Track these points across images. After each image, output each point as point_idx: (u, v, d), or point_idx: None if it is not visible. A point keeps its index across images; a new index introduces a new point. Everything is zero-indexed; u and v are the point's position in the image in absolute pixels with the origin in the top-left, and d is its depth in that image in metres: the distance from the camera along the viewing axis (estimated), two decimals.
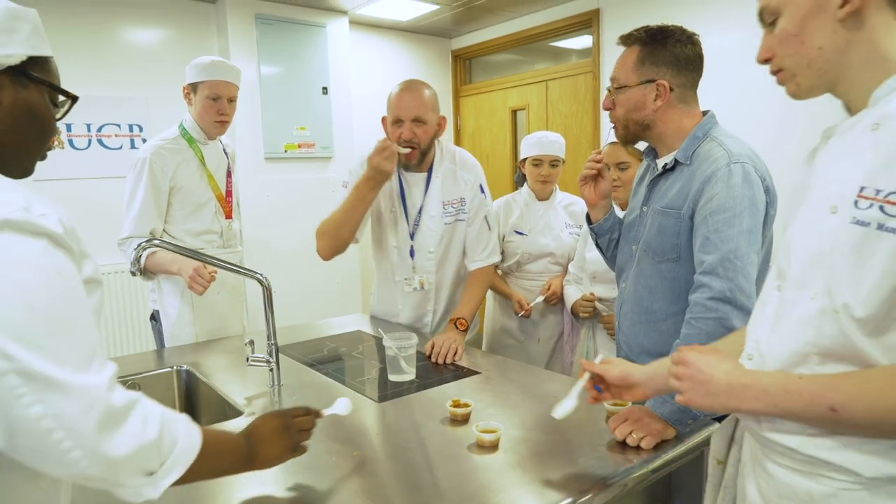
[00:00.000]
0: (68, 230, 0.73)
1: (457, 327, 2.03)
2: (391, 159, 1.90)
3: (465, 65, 5.16)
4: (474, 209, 2.17)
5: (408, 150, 1.97)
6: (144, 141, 3.70)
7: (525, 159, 2.56)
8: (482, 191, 2.19)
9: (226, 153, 2.41)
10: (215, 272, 2.02)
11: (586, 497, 1.11)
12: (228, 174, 2.40)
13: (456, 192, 2.15)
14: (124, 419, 0.72)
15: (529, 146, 2.53)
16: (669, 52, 1.47)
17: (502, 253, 2.45)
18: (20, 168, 0.87)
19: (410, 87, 2.03)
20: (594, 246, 2.00)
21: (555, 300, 2.47)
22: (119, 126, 3.66)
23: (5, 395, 0.64)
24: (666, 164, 1.52)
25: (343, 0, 4.00)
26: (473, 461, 1.24)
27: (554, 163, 2.51)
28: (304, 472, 1.20)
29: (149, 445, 0.75)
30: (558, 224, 2.54)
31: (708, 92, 3.54)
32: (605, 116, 3.98)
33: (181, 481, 0.81)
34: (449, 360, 1.87)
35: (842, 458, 0.82)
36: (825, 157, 0.90)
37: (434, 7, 4.16)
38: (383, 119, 2.08)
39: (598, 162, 1.70)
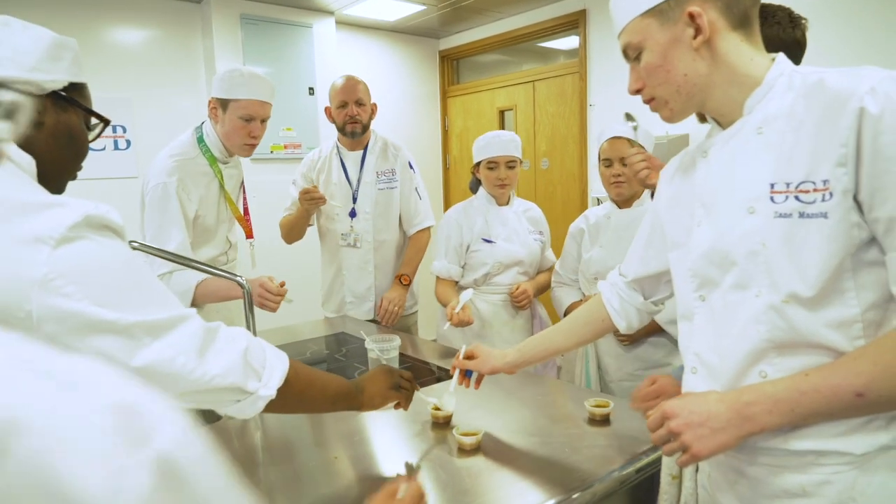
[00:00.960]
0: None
1: (401, 283, 2.50)
2: (314, 202, 2.36)
3: (452, 65, 5.15)
4: (406, 180, 2.57)
5: (323, 197, 2.38)
6: (129, 143, 3.67)
7: (479, 163, 2.33)
8: (411, 167, 2.60)
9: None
10: (284, 285, 1.85)
11: (568, 499, 1.10)
12: (242, 189, 2.23)
13: (386, 164, 2.56)
14: (215, 337, 0.88)
15: (482, 148, 2.31)
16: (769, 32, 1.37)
17: (465, 266, 2.33)
18: (57, 186, 0.92)
19: (350, 79, 2.49)
20: (592, 245, 2.09)
21: (525, 301, 2.27)
22: None
23: (136, 346, 0.78)
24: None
25: (329, 0, 3.98)
26: (454, 464, 1.23)
27: (511, 164, 2.29)
28: (282, 476, 1.18)
29: (242, 353, 0.91)
30: (523, 229, 2.36)
31: None
32: (591, 116, 3.99)
33: (294, 401, 1.01)
34: (392, 323, 2.28)
35: (834, 444, 0.82)
36: (713, 168, 0.97)
37: (421, 7, 4.15)
38: (327, 109, 2.54)
39: (645, 160, 1.72)
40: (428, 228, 2.62)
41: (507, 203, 2.38)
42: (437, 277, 2.37)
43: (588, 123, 4.03)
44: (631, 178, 1.88)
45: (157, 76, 3.77)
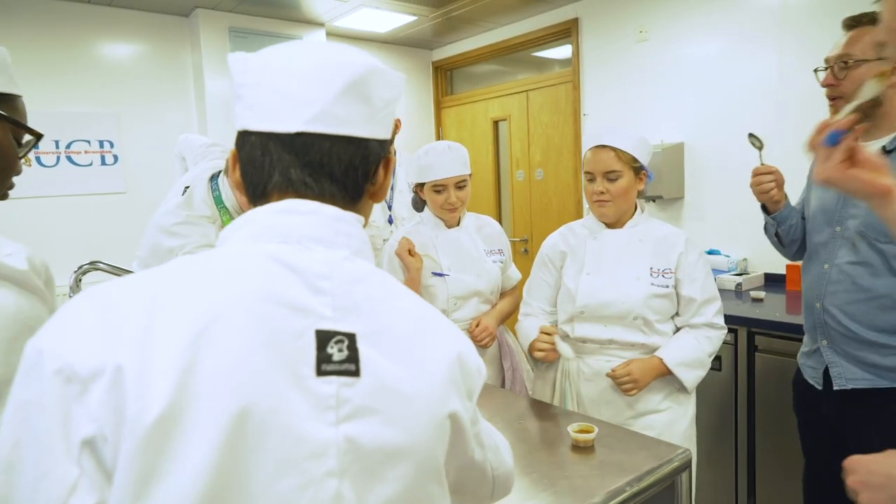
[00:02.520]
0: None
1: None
2: None
3: (446, 76, 5.10)
4: None
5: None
6: (116, 158, 3.62)
7: (422, 184, 2.01)
8: None
9: None
10: None
11: None
12: None
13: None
14: None
15: (424, 168, 1.96)
16: None
17: None
18: None
19: None
20: (577, 272, 1.79)
21: (488, 340, 1.99)
22: (89, 142, 3.57)
23: None
24: (886, 147, 1.52)
25: (319, 12, 3.94)
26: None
27: (461, 184, 1.97)
28: None
29: None
30: (478, 254, 2.05)
31: (685, 96, 3.51)
32: (585, 126, 3.92)
33: None
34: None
35: None
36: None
37: (412, 18, 4.11)
38: None
39: (768, 173, 1.76)
40: None
41: (458, 224, 2.08)
42: None
43: (582, 132, 3.96)
44: (616, 197, 1.72)
45: (144, 91, 3.73)
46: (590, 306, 1.74)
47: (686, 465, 1.30)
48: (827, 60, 1.61)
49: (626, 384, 1.65)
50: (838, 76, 1.54)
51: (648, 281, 1.72)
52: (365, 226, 0.73)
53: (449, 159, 1.94)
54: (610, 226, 1.80)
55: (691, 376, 1.70)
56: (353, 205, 0.70)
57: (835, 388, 1.63)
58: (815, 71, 1.64)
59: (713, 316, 1.75)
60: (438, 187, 1.96)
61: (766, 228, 1.90)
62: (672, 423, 1.71)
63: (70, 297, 1.66)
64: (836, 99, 1.56)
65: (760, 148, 1.85)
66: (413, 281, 1.95)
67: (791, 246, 1.87)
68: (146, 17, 3.72)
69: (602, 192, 1.73)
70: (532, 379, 1.99)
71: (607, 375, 1.69)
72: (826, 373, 1.65)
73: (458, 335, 0.71)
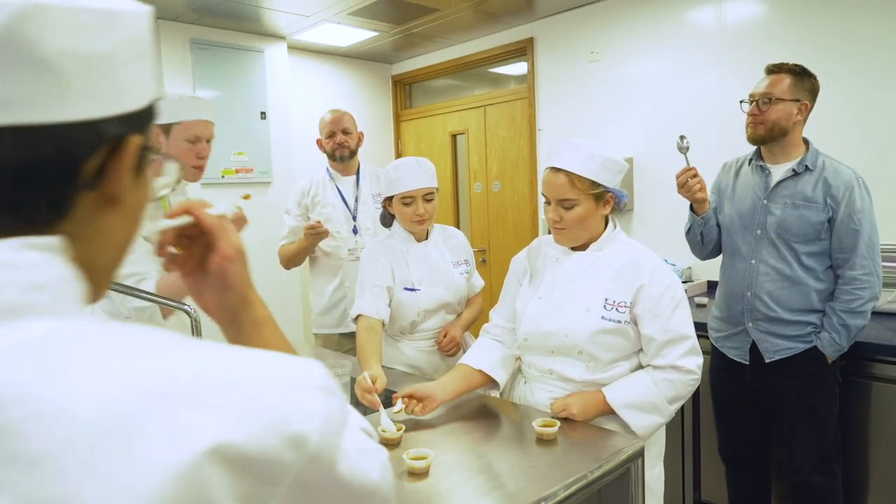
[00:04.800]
0: None
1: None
2: (319, 236, 2.65)
3: (405, 90, 5.22)
4: None
5: (328, 231, 2.66)
6: None
7: (390, 198, 2.07)
8: None
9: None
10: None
11: None
12: None
13: (380, 187, 2.58)
14: None
15: (393, 182, 2.02)
16: (811, 84, 2.01)
17: (390, 316, 2.06)
18: None
19: (337, 111, 2.88)
20: (532, 293, 1.69)
21: (454, 349, 2.11)
22: None
23: None
24: (795, 169, 2.01)
25: (281, 26, 4.00)
26: (404, 489, 1.24)
27: (428, 196, 2.03)
28: None
29: None
30: (446, 266, 2.13)
31: (634, 113, 3.71)
32: (540, 140, 4.10)
33: None
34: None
35: None
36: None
37: (373, 34, 4.21)
38: (318, 140, 2.89)
39: (690, 170, 2.07)
40: None
41: (427, 237, 2.15)
42: (359, 321, 1.96)
43: (537, 147, 4.13)
44: (571, 225, 1.59)
45: None
46: (533, 334, 1.64)
47: (639, 454, 1.43)
48: (751, 96, 2.06)
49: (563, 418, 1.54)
50: (762, 109, 2.01)
51: (599, 314, 1.56)
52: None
53: (416, 172, 2.00)
54: (575, 248, 1.67)
55: (642, 422, 1.54)
56: (45, 226, 0.46)
57: (766, 361, 2.04)
58: (741, 102, 2.09)
59: (679, 357, 1.54)
60: (407, 199, 2.01)
61: (690, 229, 2.23)
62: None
63: None
64: (757, 125, 2.03)
65: (686, 150, 2.11)
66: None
67: (709, 245, 2.23)
68: None
69: (556, 221, 1.60)
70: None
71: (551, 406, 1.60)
72: (752, 349, 2.08)
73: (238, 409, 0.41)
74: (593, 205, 1.59)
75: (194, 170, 1.93)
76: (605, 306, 1.57)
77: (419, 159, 2.06)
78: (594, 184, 1.56)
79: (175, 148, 1.89)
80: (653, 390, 1.54)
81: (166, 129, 1.90)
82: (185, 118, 1.88)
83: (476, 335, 2.10)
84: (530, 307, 1.66)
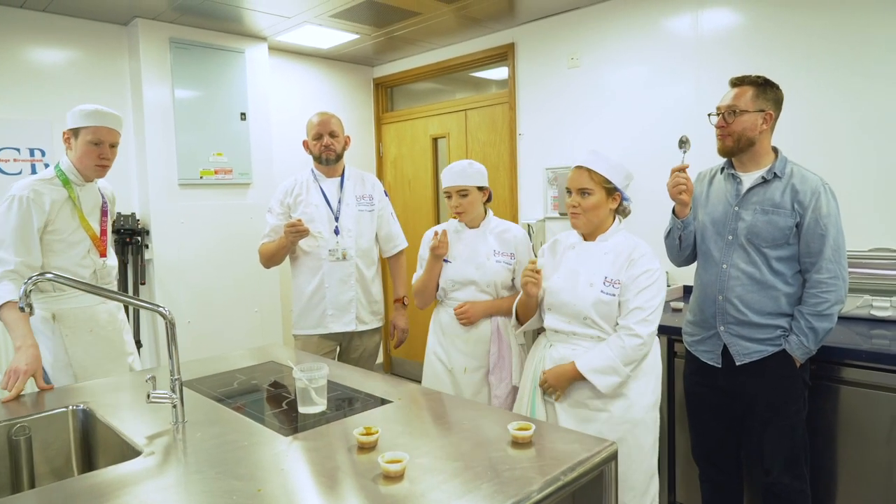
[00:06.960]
0: None
1: (403, 305, 3.09)
2: (300, 235, 2.72)
3: (386, 93, 5.22)
4: (384, 206, 3.03)
5: (308, 230, 2.73)
6: (47, 166, 3.52)
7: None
8: (385, 195, 3.08)
9: (102, 195, 2.46)
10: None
11: None
12: (104, 214, 2.46)
13: (364, 190, 2.98)
14: None
15: (442, 179, 2.52)
16: (774, 94, 2.08)
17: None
18: None
19: (324, 114, 2.92)
20: (552, 272, 2.13)
21: (464, 320, 2.46)
22: (19, 150, 3.46)
23: None
24: (764, 177, 2.07)
25: (262, 27, 3.98)
26: (379, 492, 1.24)
27: (462, 193, 2.46)
28: None
29: None
30: (485, 251, 2.49)
31: (613, 118, 3.76)
32: (521, 144, 4.12)
33: None
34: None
35: None
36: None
37: (354, 36, 4.20)
38: (304, 142, 2.94)
39: (682, 171, 2.12)
40: (403, 250, 3.11)
41: (478, 226, 2.55)
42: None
43: (518, 152, 4.16)
44: (587, 210, 2.03)
45: (79, 99, 3.63)
46: (553, 304, 2.11)
47: (612, 457, 1.45)
48: (718, 108, 2.13)
49: (548, 389, 2.06)
50: (728, 120, 2.09)
51: (599, 288, 2.01)
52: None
53: (454, 172, 2.46)
54: (586, 238, 2.12)
55: (604, 382, 1.97)
56: None
57: (737, 363, 2.09)
58: (709, 115, 2.16)
59: (635, 322, 1.96)
60: (447, 193, 2.49)
61: (670, 233, 2.27)
62: (629, 407, 2.00)
63: (21, 309, 1.64)
64: (725, 137, 2.10)
65: (686, 149, 2.16)
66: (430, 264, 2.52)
67: (686, 250, 2.30)
68: (83, 24, 3.66)
69: (574, 206, 2.05)
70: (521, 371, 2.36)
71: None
72: (724, 353, 2.15)
73: None
74: (604, 197, 2.03)
75: (97, 167, 2.32)
76: (604, 283, 2.01)
77: (471, 162, 2.50)
78: (606, 179, 2.01)
79: (81, 149, 2.28)
80: (610, 356, 1.96)
81: (76, 132, 2.29)
82: (91, 124, 2.26)
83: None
84: (551, 282, 2.12)
